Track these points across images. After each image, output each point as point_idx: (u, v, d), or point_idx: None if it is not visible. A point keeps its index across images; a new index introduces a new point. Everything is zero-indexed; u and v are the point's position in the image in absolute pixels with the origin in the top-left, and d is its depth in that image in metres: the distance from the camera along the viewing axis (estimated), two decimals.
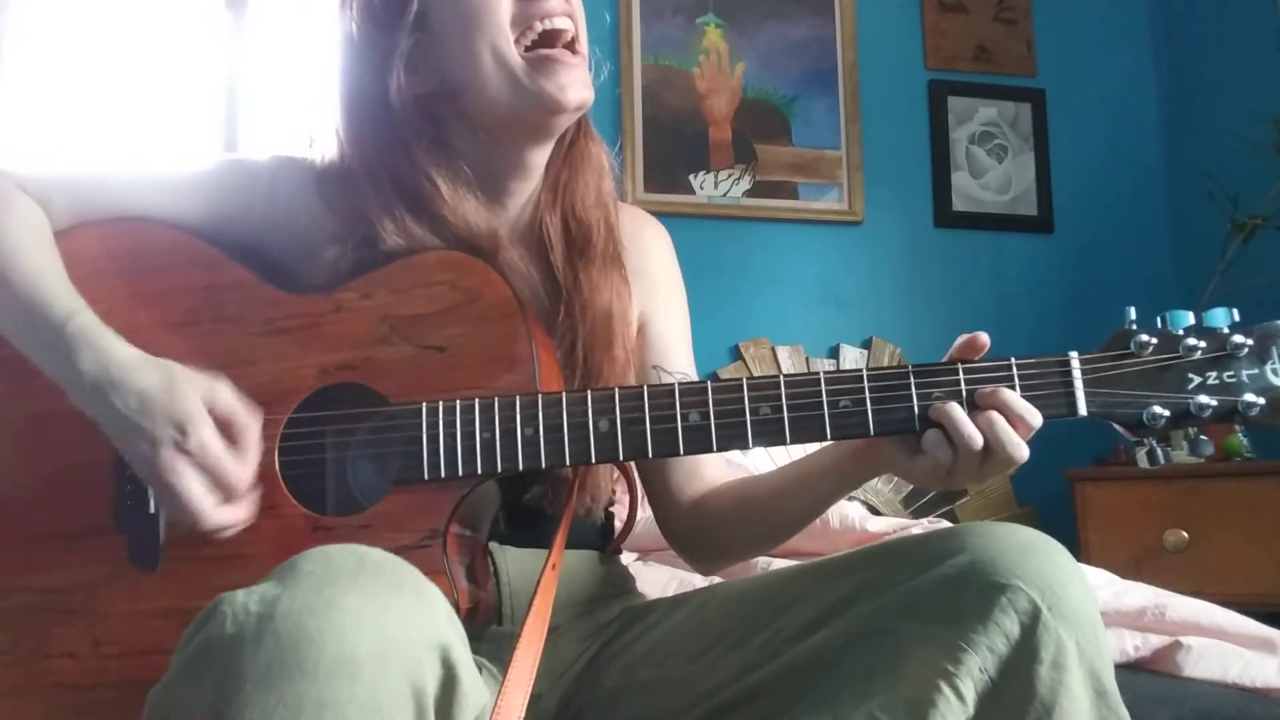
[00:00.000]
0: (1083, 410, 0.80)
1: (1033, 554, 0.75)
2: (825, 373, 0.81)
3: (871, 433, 0.81)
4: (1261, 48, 2.71)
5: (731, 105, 2.81)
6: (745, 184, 2.78)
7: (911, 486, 2.57)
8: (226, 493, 0.80)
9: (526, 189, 0.97)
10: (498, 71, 0.89)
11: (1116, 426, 0.81)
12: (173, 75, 2.61)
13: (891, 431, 0.81)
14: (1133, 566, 2.12)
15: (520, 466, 0.81)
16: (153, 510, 0.85)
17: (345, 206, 0.91)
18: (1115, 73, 3.04)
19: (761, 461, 2.35)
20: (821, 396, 0.80)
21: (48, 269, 0.88)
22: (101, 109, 2.54)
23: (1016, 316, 2.84)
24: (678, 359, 1.04)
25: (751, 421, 0.80)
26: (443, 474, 0.81)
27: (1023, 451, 0.79)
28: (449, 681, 0.64)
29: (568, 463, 0.82)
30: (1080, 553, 2.30)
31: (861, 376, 0.81)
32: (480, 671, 0.84)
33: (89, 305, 0.86)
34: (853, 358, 2.74)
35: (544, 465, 0.81)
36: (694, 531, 1.03)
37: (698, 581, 1.52)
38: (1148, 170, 3.01)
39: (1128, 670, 1.29)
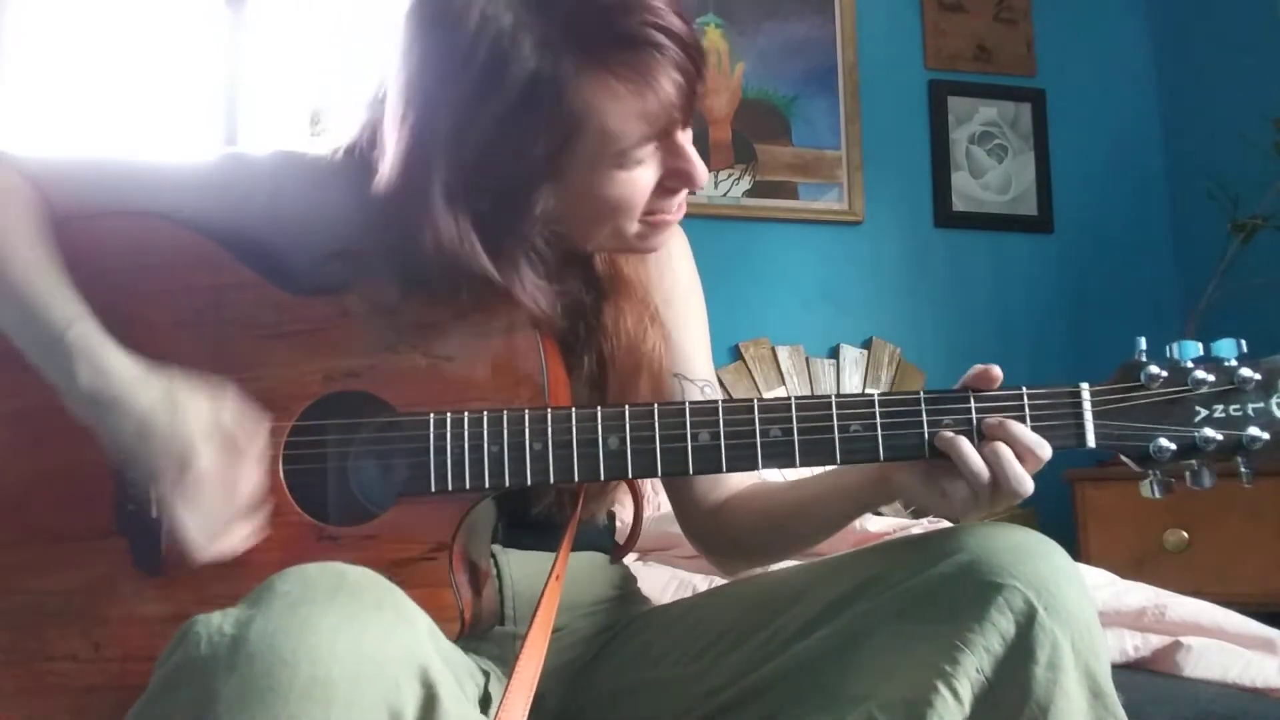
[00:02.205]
0: (1091, 442, 0.80)
1: (1028, 554, 0.75)
2: (836, 396, 0.81)
3: (881, 458, 0.80)
4: (1261, 48, 2.71)
5: (731, 105, 2.81)
6: (745, 184, 2.78)
7: None
8: (220, 528, 0.79)
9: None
10: (612, 239, 0.88)
11: (1123, 458, 0.81)
12: (173, 74, 2.61)
13: (901, 458, 0.81)
14: (1133, 566, 2.12)
15: (529, 481, 0.80)
16: (154, 515, 0.83)
17: (362, 215, 0.85)
18: (1115, 73, 3.04)
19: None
20: (832, 420, 0.80)
21: (46, 269, 0.84)
22: (102, 107, 2.54)
23: (1016, 316, 2.84)
24: (698, 368, 1.03)
25: (761, 444, 0.80)
26: (450, 487, 0.80)
27: (1027, 486, 0.77)
28: (429, 702, 0.64)
29: (576, 479, 0.81)
30: (1080, 553, 2.30)
31: (873, 402, 0.80)
32: (489, 676, 0.84)
33: (93, 299, 0.83)
34: (853, 358, 2.74)
35: (552, 481, 0.81)
36: (715, 536, 1.03)
37: (698, 581, 1.52)
38: (1148, 170, 3.01)
39: (1128, 670, 1.29)
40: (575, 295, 0.92)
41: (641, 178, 0.83)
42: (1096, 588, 1.38)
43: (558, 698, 0.94)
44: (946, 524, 1.11)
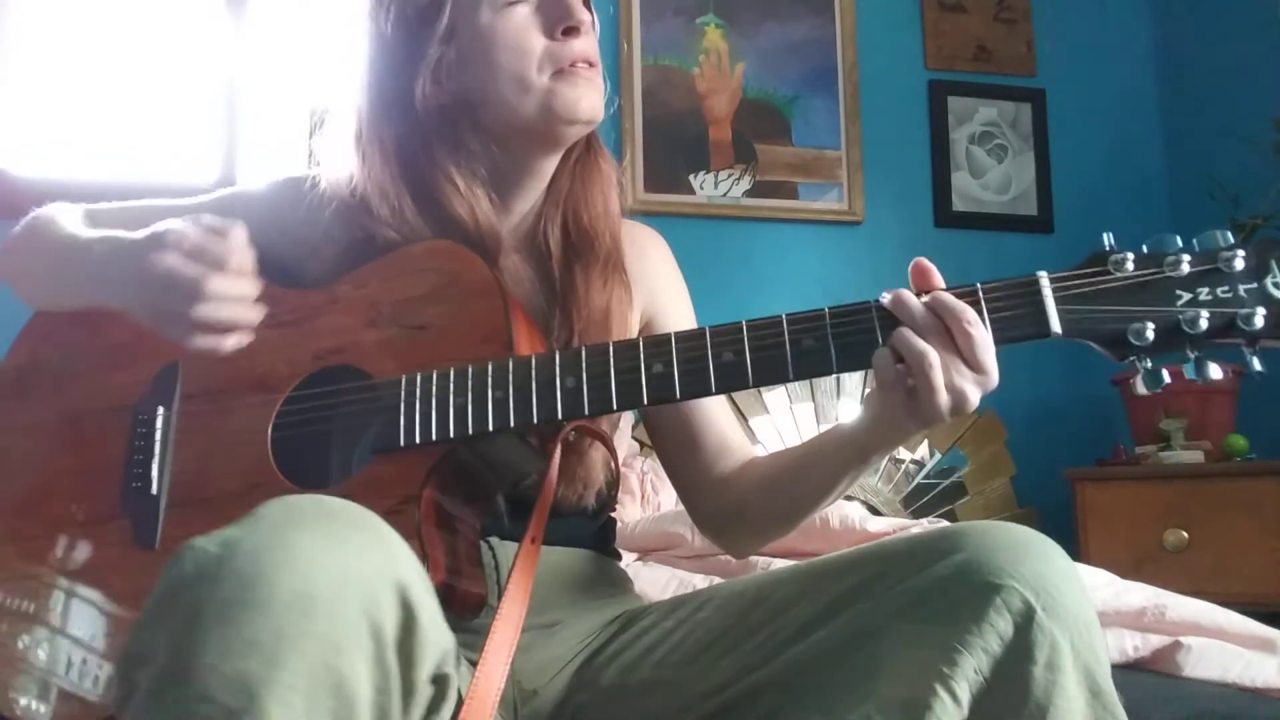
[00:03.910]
0: (1056, 328, 0.76)
1: (1027, 553, 0.75)
2: (787, 314, 0.80)
3: (835, 369, 0.80)
4: (1261, 48, 2.71)
5: (731, 105, 2.81)
6: (745, 184, 2.78)
7: (912, 486, 2.57)
8: (217, 263, 0.84)
9: (532, 196, 1.01)
10: (521, 96, 0.93)
11: (1097, 347, 0.76)
12: (173, 75, 2.61)
13: (855, 367, 0.80)
14: (1133, 566, 2.12)
15: (490, 426, 0.82)
16: (154, 491, 0.89)
17: (350, 207, 0.95)
18: (1115, 73, 3.04)
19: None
20: (784, 337, 0.80)
21: (103, 233, 0.96)
22: (102, 109, 2.54)
23: None
24: None
25: (714, 367, 0.80)
26: (418, 438, 0.83)
27: (986, 355, 0.76)
28: (408, 622, 0.65)
29: (535, 419, 0.83)
30: (1080, 553, 2.30)
31: (823, 315, 0.80)
32: (461, 664, 0.84)
33: (120, 316, 0.93)
34: None
35: (512, 424, 0.82)
36: (722, 510, 1.05)
37: (698, 581, 1.52)
38: (1148, 170, 3.01)
39: (1128, 670, 1.30)
40: (545, 256, 1.00)
41: (517, 17, 0.93)
42: (1096, 588, 1.38)
43: (555, 693, 0.94)
44: (946, 524, 1.11)
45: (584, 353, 0.83)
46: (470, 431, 0.83)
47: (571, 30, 0.93)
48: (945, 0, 2.96)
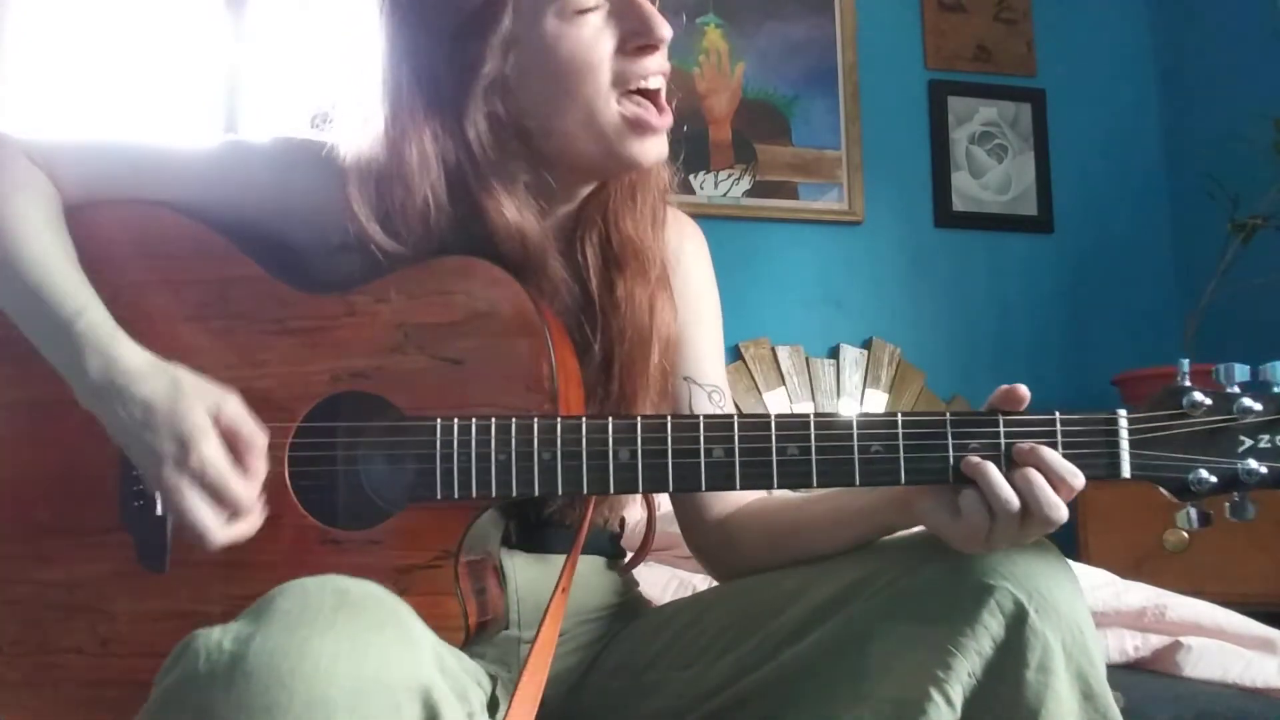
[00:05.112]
0: (1126, 472, 0.75)
1: (1020, 553, 0.74)
2: (859, 416, 0.77)
3: (903, 482, 0.76)
4: (1261, 48, 2.71)
5: (731, 105, 2.81)
6: (745, 184, 2.77)
7: None
8: (231, 510, 0.77)
9: (570, 208, 0.94)
10: (588, 130, 0.85)
11: (1160, 489, 0.77)
12: (172, 75, 2.61)
13: (923, 482, 0.77)
14: (1133, 566, 2.12)
15: (536, 492, 0.79)
16: (160, 511, 0.83)
17: (371, 203, 0.85)
18: (1115, 73, 3.04)
19: None
20: (853, 440, 0.76)
21: (58, 255, 0.84)
22: (102, 109, 2.54)
23: (1016, 316, 2.84)
24: (709, 372, 1.00)
25: (778, 462, 0.77)
26: (456, 494, 0.79)
27: (1061, 513, 0.72)
28: None
29: (585, 491, 0.79)
30: (1080, 553, 2.30)
31: (896, 422, 0.77)
32: (496, 681, 0.84)
33: (98, 289, 0.83)
34: (853, 358, 2.74)
35: (560, 492, 0.79)
36: (719, 547, 1.00)
37: (698, 581, 1.52)
38: (1148, 170, 3.01)
39: (1128, 670, 1.30)
40: (581, 267, 0.91)
41: (588, 28, 0.83)
42: (1096, 588, 1.38)
43: (558, 701, 0.94)
44: None
45: (640, 425, 0.78)
46: (514, 494, 0.79)
47: (648, 48, 0.86)
48: (945, 0, 2.96)
